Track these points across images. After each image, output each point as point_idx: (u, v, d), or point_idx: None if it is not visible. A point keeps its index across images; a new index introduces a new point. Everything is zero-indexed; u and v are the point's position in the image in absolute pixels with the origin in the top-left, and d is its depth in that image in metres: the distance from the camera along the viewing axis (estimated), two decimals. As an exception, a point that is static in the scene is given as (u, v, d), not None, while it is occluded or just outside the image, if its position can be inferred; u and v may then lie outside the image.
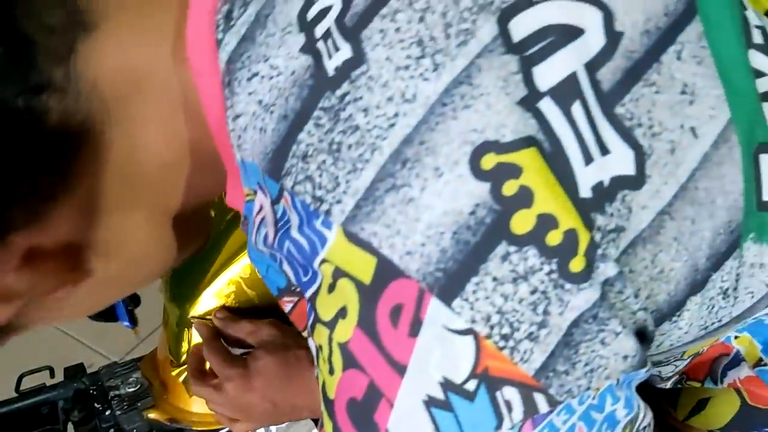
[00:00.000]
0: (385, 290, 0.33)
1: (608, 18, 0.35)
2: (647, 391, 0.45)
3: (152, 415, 0.80)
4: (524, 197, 0.32)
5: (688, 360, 0.46)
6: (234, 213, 0.74)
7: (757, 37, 0.40)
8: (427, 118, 0.33)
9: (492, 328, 0.32)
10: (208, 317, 0.74)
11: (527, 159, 0.33)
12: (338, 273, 0.34)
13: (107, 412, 0.81)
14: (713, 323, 0.40)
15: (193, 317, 0.75)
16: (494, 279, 0.32)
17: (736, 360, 0.48)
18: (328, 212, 0.34)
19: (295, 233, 0.36)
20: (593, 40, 0.35)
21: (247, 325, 0.71)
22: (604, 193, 0.34)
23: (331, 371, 0.35)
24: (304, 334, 0.44)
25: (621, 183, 0.34)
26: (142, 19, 0.39)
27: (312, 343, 0.37)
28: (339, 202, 0.34)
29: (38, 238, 0.37)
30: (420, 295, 0.33)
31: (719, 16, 0.38)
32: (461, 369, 0.33)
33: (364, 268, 0.33)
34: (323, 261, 0.35)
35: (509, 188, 0.32)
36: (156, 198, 0.42)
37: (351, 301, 0.34)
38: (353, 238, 0.33)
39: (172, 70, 0.39)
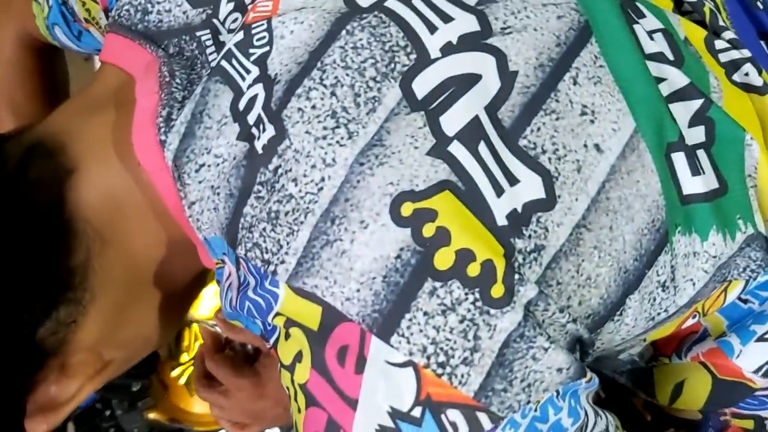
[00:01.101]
0: (331, 334, 0.36)
1: (501, 61, 0.39)
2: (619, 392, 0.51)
3: (152, 415, 0.79)
4: (442, 236, 0.35)
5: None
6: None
7: (652, 46, 0.43)
8: (349, 177, 0.37)
9: (429, 358, 0.35)
10: (211, 320, 0.73)
11: (441, 202, 0.36)
12: (289, 323, 0.37)
13: (107, 412, 0.80)
14: (659, 313, 0.42)
15: (197, 320, 0.74)
16: (425, 313, 0.35)
17: (703, 336, 0.50)
18: (274, 272, 0.37)
19: (251, 294, 0.39)
20: (490, 84, 0.39)
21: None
22: (519, 218, 0.37)
23: (299, 410, 0.39)
24: None
25: (533, 207, 0.37)
26: (104, 149, 0.43)
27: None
28: (282, 262, 0.37)
29: (69, 355, 0.42)
30: (362, 335, 0.36)
31: (613, 32, 0.42)
32: (405, 398, 0.35)
33: (311, 316, 0.37)
34: (276, 314, 0.38)
35: (428, 230, 0.36)
36: (158, 287, 0.46)
37: (304, 347, 0.37)
38: (299, 291, 0.37)
39: (130, 179, 0.43)
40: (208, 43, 0.45)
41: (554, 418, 0.37)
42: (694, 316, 0.46)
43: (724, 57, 0.47)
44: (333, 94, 0.38)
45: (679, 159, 0.41)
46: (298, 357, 0.37)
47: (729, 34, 0.48)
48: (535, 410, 0.36)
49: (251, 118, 0.39)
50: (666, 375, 0.53)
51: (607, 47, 0.42)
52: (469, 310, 0.35)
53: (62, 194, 0.41)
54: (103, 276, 0.42)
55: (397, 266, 0.36)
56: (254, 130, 0.39)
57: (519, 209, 0.37)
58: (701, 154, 0.42)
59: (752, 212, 0.43)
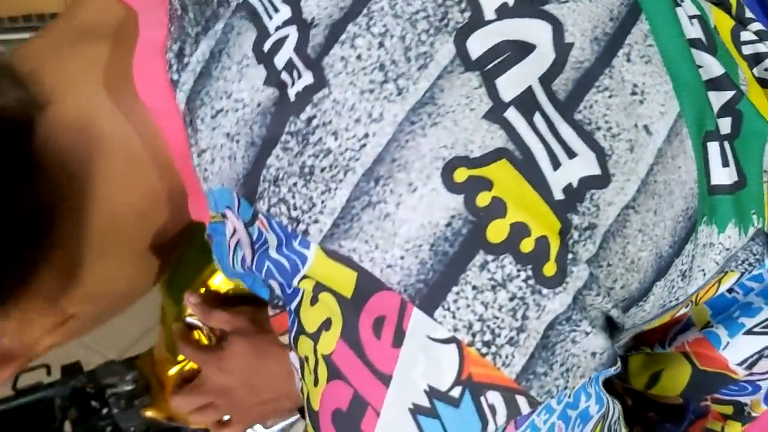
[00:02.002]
0: (366, 303, 0.34)
1: (558, 30, 0.37)
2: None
3: (149, 414, 0.79)
4: (498, 207, 0.34)
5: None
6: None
7: (692, 32, 0.42)
8: (397, 136, 0.34)
9: (474, 335, 0.33)
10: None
11: (498, 171, 0.34)
12: (319, 288, 0.35)
13: (104, 411, 0.80)
14: (671, 301, 0.42)
15: (189, 315, 0.75)
16: (474, 288, 0.33)
17: (687, 325, 0.50)
18: (305, 232, 0.35)
19: (274, 253, 0.36)
20: (545, 54, 0.36)
21: (223, 314, 0.71)
22: (575, 194, 0.35)
23: (315, 382, 0.36)
24: (282, 339, 0.45)
25: (588, 183, 0.36)
26: (89, 84, 0.39)
27: (294, 357, 0.38)
28: (316, 221, 0.35)
29: (27, 299, 0.39)
30: (402, 306, 0.34)
31: (662, 12, 0.40)
32: (446, 376, 0.34)
33: (345, 282, 0.34)
34: (304, 277, 0.36)
35: (482, 199, 0.34)
36: (136, 242, 0.43)
37: (334, 314, 0.35)
38: (333, 254, 0.34)
39: (122, 119, 0.39)
40: None
41: (584, 405, 0.36)
42: (687, 305, 0.46)
43: (747, 49, 0.46)
44: (381, 44, 0.36)
45: (713, 148, 0.41)
46: (326, 325, 0.35)
47: (757, 26, 0.47)
48: (569, 396, 0.35)
49: (279, 62, 0.36)
50: (644, 364, 0.54)
51: (657, 26, 0.40)
52: (520, 288, 0.33)
53: (30, 127, 0.37)
54: (72, 222, 0.39)
55: (446, 235, 0.33)
56: (284, 76, 0.36)
57: (575, 184, 0.35)
58: (726, 146, 0.41)
59: (764, 208, 0.43)
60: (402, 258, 0.33)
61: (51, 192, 0.37)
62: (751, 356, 0.48)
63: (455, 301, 0.33)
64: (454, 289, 0.33)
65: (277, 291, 0.38)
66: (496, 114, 0.35)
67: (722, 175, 0.41)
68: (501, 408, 0.34)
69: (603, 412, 0.37)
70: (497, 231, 0.33)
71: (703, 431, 0.55)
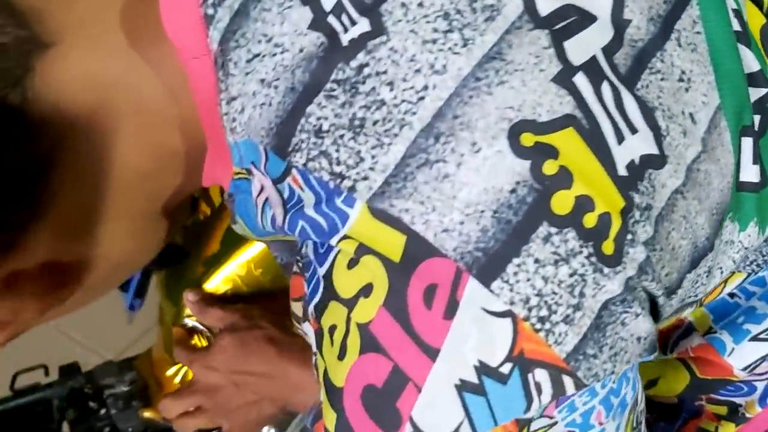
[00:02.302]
0: (416, 269, 0.32)
1: (618, 5, 0.35)
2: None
3: (147, 414, 0.79)
4: (564, 177, 0.32)
5: None
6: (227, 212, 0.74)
7: (735, 24, 0.40)
8: (460, 91, 0.32)
9: (530, 310, 0.32)
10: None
11: (565, 139, 0.32)
12: (363, 250, 0.33)
13: (102, 411, 0.80)
14: (689, 297, 0.41)
15: (188, 316, 0.75)
16: (536, 261, 0.32)
17: (688, 331, 0.49)
18: (351, 188, 0.32)
19: (310, 211, 0.34)
20: (605, 28, 0.35)
21: (218, 311, 0.71)
22: (636, 171, 0.34)
23: (342, 355, 0.33)
24: (294, 307, 0.41)
25: (647, 162, 0.34)
26: (101, 25, 0.36)
27: (308, 328, 0.36)
28: (365, 178, 0.32)
29: (15, 264, 0.36)
30: (457, 274, 0.31)
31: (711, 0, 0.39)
32: (498, 352, 0.32)
33: (392, 245, 0.32)
34: (344, 237, 0.33)
35: (549, 167, 0.32)
36: (138, 206, 0.40)
37: (378, 279, 0.32)
38: (381, 214, 0.32)
39: (141, 62, 0.36)
40: None
41: (623, 393, 0.35)
42: (693, 306, 0.45)
43: None
44: None
45: (747, 144, 0.40)
46: (366, 291, 0.32)
47: None
48: (613, 382, 0.34)
49: (327, 4, 0.33)
50: (641, 371, 0.53)
51: (706, 13, 0.38)
52: (582, 265, 0.32)
53: (27, 68, 0.33)
54: (68, 179, 0.35)
55: (510, 202, 0.31)
56: (332, 20, 0.33)
57: (636, 161, 0.34)
58: (758, 143, 0.41)
59: None
60: (462, 223, 0.31)
61: (45, 143, 0.34)
62: (755, 361, 0.47)
63: (515, 274, 0.31)
64: (515, 260, 0.31)
65: (309, 254, 0.36)
66: (564, 78, 0.33)
67: (751, 173, 0.40)
68: (547, 387, 0.32)
69: (635, 399, 0.36)
70: (562, 203, 0.32)
71: (696, 431, 0.55)
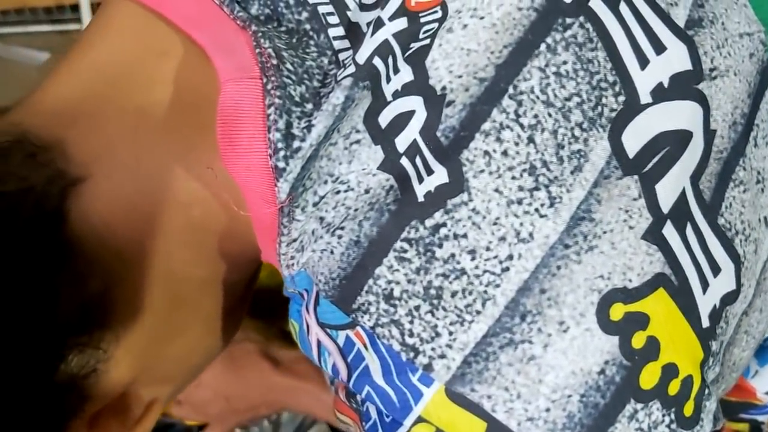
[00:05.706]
0: None
1: (706, 115, 0.32)
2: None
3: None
4: (652, 349, 0.30)
5: None
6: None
7: None
8: (547, 261, 0.29)
9: None
10: None
11: (655, 304, 0.30)
12: None
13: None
14: None
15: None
16: None
17: None
18: (428, 367, 0.30)
19: (379, 380, 0.31)
20: (697, 145, 0.32)
21: None
22: (716, 316, 0.32)
23: None
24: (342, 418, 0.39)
25: (726, 300, 0.32)
26: (137, 149, 0.33)
27: None
28: (443, 356, 0.30)
29: (96, 405, 0.33)
30: None
31: None
32: None
33: None
34: (419, 419, 0.31)
35: (638, 340, 0.30)
36: (206, 311, 0.38)
37: None
38: (459, 399, 0.30)
39: (192, 185, 0.33)
40: (331, 19, 0.33)
41: None
42: None
43: None
44: (531, 140, 0.30)
45: None
46: None
47: None
48: None
49: (401, 144, 0.30)
50: None
51: None
52: None
53: (62, 211, 0.30)
54: (129, 308, 0.33)
55: (599, 383, 0.29)
56: (406, 163, 0.30)
57: (717, 305, 0.32)
58: None
59: None
60: (547, 410, 0.29)
61: (97, 281, 0.31)
62: None
63: None
64: None
65: (372, 413, 0.33)
66: (654, 232, 0.30)
67: None
68: None
69: None
70: (650, 376, 0.30)
71: None
